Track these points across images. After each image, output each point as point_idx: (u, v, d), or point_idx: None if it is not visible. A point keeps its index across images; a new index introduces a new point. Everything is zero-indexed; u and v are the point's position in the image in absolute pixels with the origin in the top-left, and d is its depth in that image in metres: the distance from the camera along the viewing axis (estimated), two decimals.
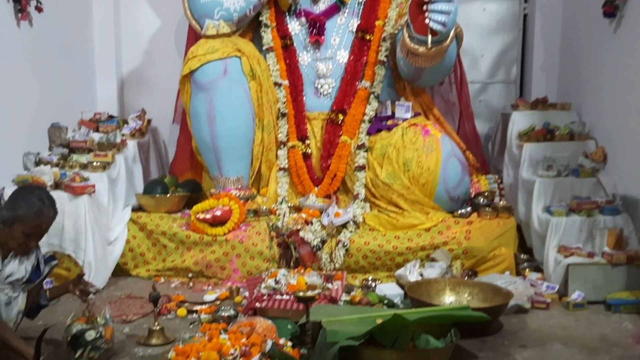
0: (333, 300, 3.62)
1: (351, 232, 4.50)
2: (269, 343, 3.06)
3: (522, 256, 4.52)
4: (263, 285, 3.74)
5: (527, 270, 4.35)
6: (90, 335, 2.98)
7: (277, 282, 3.74)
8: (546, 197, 4.40)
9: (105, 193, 4.51)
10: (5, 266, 2.88)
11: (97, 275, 4.18)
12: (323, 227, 4.49)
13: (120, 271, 4.58)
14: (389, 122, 4.86)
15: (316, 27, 5.07)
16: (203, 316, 3.67)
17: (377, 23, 5.05)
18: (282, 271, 3.89)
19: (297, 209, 4.82)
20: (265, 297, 3.59)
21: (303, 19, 5.16)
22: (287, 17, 5.20)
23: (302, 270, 4.00)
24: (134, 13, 5.94)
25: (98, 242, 4.30)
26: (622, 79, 4.39)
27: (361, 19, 5.10)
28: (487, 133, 5.82)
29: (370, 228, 4.58)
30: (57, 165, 4.52)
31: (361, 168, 4.78)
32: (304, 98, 5.10)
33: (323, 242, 4.43)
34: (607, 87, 4.62)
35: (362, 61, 5.06)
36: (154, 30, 5.98)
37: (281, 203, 4.86)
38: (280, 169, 5.01)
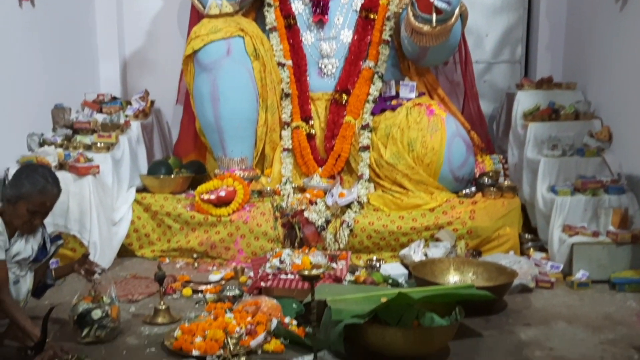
0: (338, 280, 3.64)
1: (355, 212, 4.50)
2: (274, 321, 3.09)
3: (527, 236, 4.52)
4: (268, 265, 3.76)
5: (532, 249, 4.35)
6: (97, 314, 3.00)
7: (281, 261, 3.76)
8: (551, 177, 4.39)
9: (109, 174, 4.51)
10: (12, 245, 2.89)
11: (102, 255, 4.19)
12: (327, 207, 4.50)
13: (125, 252, 4.59)
14: (393, 102, 4.84)
15: (319, 6, 5.03)
16: (208, 296, 3.69)
17: (381, 2, 5.00)
18: (287, 251, 3.91)
19: (301, 189, 4.82)
20: (270, 277, 3.60)
21: None
22: None
23: (306, 250, 4.02)
24: None
25: (103, 223, 4.31)
26: (628, 57, 4.35)
27: None
28: (492, 113, 5.80)
29: (375, 208, 4.58)
30: (61, 146, 4.51)
31: (365, 148, 4.77)
32: (308, 78, 5.08)
33: (327, 222, 4.44)
34: (612, 66, 4.58)
35: (366, 40, 5.02)
36: (157, 11, 5.94)
37: (285, 184, 4.86)
38: (284, 149, 5.00)
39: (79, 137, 4.66)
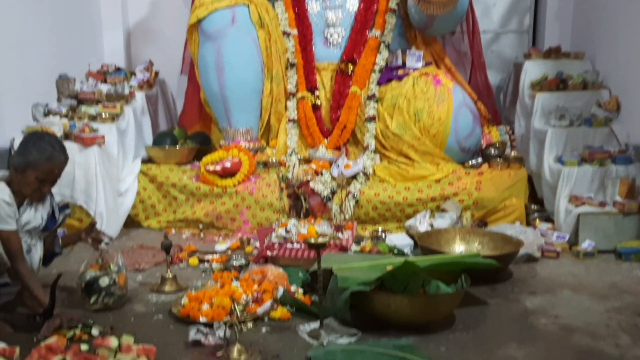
0: (343, 249, 3.65)
1: (361, 183, 4.49)
2: (281, 290, 3.10)
3: (533, 207, 4.51)
4: (274, 234, 3.76)
5: (538, 220, 4.35)
6: (104, 281, 3.02)
7: (287, 231, 3.76)
8: (558, 147, 4.37)
9: (114, 144, 4.51)
10: (21, 214, 2.90)
11: (109, 226, 4.20)
12: (333, 178, 4.49)
13: (131, 222, 4.61)
14: (400, 72, 4.80)
15: None
16: (215, 265, 3.71)
17: None
18: (293, 221, 3.91)
19: (307, 160, 4.80)
20: (276, 246, 3.61)
21: None
22: None
23: (312, 220, 4.02)
24: None
25: (109, 193, 4.31)
26: (637, 27, 4.29)
27: None
28: (499, 84, 5.75)
29: (380, 179, 4.57)
30: (66, 116, 4.50)
31: (371, 119, 4.74)
32: (313, 48, 5.03)
33: (333, 193, 4.43)
34: (621, 35, 4.52)
35: (373, 9, 4.96)
36: None
37: (291, 155, 4.84)
38: (290, 120, 4.98)
39: (83, 108, 4.65)
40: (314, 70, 5.02)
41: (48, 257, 3.19)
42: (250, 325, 2.81)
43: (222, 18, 4.68)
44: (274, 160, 4.77)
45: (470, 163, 4.64)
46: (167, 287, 3.34)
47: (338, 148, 4.84)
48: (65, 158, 2.94)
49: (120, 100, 4.78)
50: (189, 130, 5.36)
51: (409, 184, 4.47)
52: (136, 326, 2.85)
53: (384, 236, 4.19)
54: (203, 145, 5.08)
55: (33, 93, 4.55)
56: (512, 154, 4.67)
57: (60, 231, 3.46)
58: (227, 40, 4.69)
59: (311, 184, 4.43)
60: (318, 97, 5.00)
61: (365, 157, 4.65)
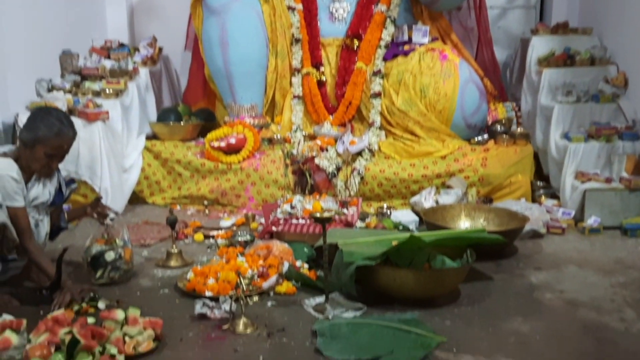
0: (349, 225, 3.64)
1: (366, 160, 4.47)
2: (286, 264, 3.10)
3: (539, 183, 4.49)
4: (279, 210, 3.76)
5: (543, 197, 4.33)
6: (110, 256, 3.03)
7: (292, 207, 3.76)
8: (565, 123, 4.34)
9: (119, 120, 4.49)
10: (29, 190, 2.90)
11: (114, 201, 4.20)
12: (338, 154, 4.47)
13: (136, 199, 4.61)
14: (406, 47, 4.75)
15: None
16: (220, 241, 3.71)
17: None
18: (298, 197, 3.90)
19: (312, 137, 4.78)
20: (281, 222, 3.61)
21: None
22: None
23: (317, 196, 4.01)
24: None
25: (114, 169, 4.31)
26: None
27: None
28: (506, 60, 5.69)
29: (386, 156, 4.55)
30: (69, 92, 4.49)
31: (377, 95, 4.71)
32: (319, 23, 4.98)
33: (338, 169, 4.42)
34: (629, 11, 4.47)
35: None
36: None
37: (295, 131, 4.83)
38: (295, 96, 4.95)
39: (87, 83, 4.63)
40: (319, 46, 4.98)
41: (54, 232, 3.20)
42: (255, 299, 2.82)
43: None
44: (278, 137, 4.75)
45: (476, 139, 4.61)
46: (172, 262, 3.35)
47: (343, 124, 4.82)
48: (73, 133, 2.93)
49: (124, 76, 4.76)
50: (193, 106, 5.34)
51: (415, 160, 4.46)
52: (142, 300, 2.86)
53: (389, 213, 4.19)
54: (207, 122, 5.07)
55: (37, 69, 4.53)
56: (518, 130, 4.64)
57: (65, 206, 3.46)
58: (232, 15, 4.64)
59: (316, 160, 4.42)
60: (323, 73, 4.96)
61: (370, 134, 4.63)
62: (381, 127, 4.71)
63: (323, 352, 2.34)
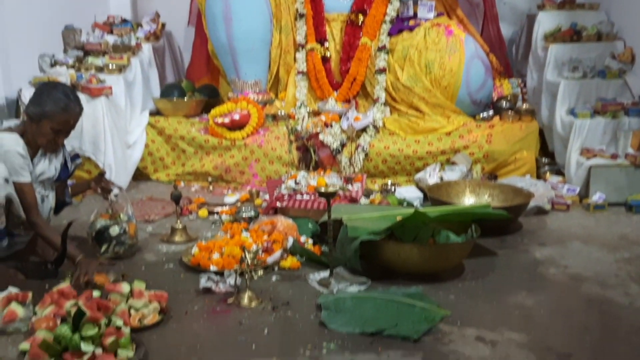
0: (353, 201, 3.64)
1: (371, 136, 4.46)
2: (291, 240, 3.11)
3: (544, 160, 4.48)
4: (283, 186, 3.75)
5: (548, 173, 4.32)
6: (114, 230, 3.04)
7: (297, 183, 3.75)
8: (570, 99, 4.31)
9: (122, 96, 4.48)
10: (35, 165, 2.89)
11: (118, 177, 4.20)
12: (343, 130, 4.45)
13: (140, 175, 4.61)
14: (411, 23, 4.70)
15: None
16: (224, 217, 3.72)
17: None
18: (302, 173, 3.89)
19: (316, 113, 4.76)
20: (285, 197, 3.61)
21: None
22: None
23: (321, 172, 4.00)
24: None
25: (117, 145, 4.31)
26: None
27: None
28: (511, 37, 5.63)
29: (390, 132, 4.53)
30: (72, 67, 4.46)
31: (381, 71, 4.67)
32: None
33: (342, 145, 4.40)
34: None
35: None
36: None
37: (300, 107, 4.80)
38: (299, 72, 4.91)
39: (90, 59, 4.61)
40: (324, 21, 4.93)
41: (58, 207, 3.20)
42: (260, 273, 2.81)
43: None
44: (283, 113, 4.73)
45: (481, 116, 4.59)
46: (177, 238, 3.35)
47: (348, 101, 4.79)
48: (80, 109, 2.92)
49: (127, 52, 4.73)
50: (196, 82, 5.30)
51: (419, 136, 4.44)
52: (147, 274, 2.87)
53: (393, 189, 4.18)
54: (211, 98, 5.04)
55: (39, 44, 4.50)
56: (524, 106, 4.61)
57: (69, 182, 3.46)
58: None
59: (320, 136, 4.40)
60: (327, 48, 4.92)
61: (375, 110, 4.61)
62: (386, 103, 4.68)
63: (327, 325, 2.35)
